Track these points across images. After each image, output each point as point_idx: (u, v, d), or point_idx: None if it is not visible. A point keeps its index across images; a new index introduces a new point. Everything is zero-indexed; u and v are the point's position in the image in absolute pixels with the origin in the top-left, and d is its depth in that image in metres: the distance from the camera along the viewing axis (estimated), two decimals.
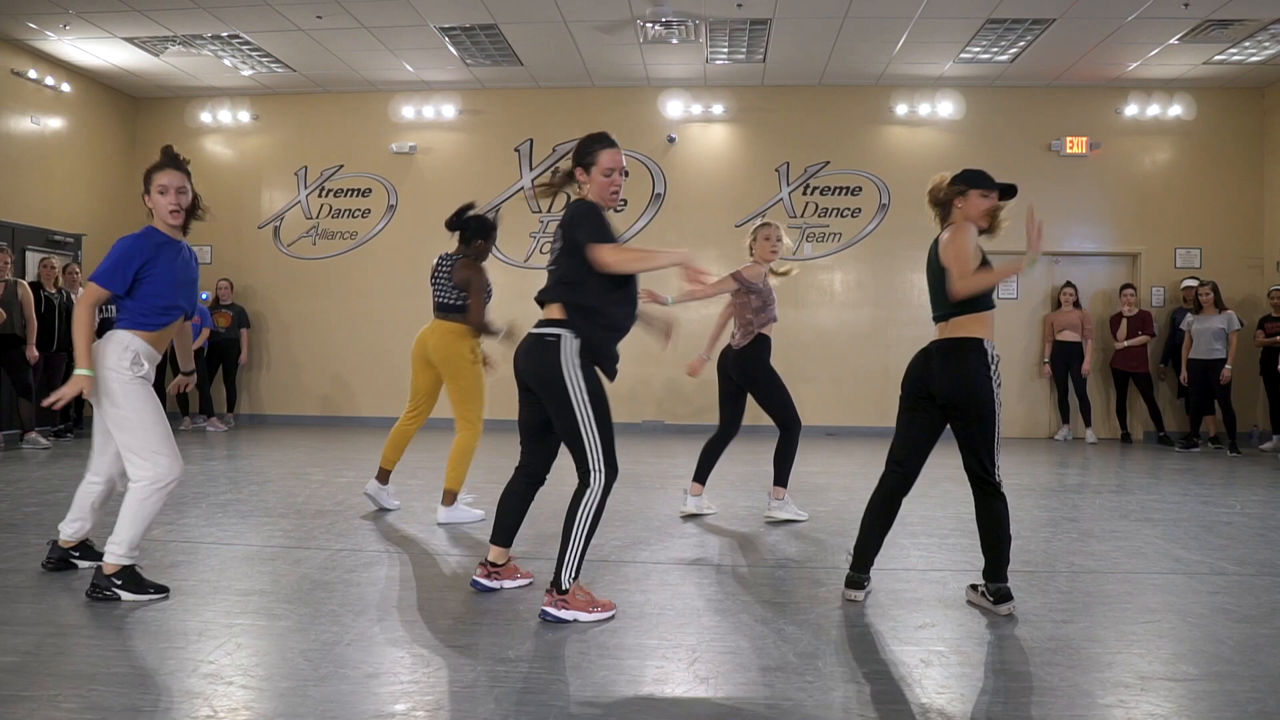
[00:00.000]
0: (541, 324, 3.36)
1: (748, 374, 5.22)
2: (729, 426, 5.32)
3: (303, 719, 2.37)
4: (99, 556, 3.89)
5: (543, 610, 3.29)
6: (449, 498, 5.02)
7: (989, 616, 3.38)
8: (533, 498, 3.60)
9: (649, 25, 8.36)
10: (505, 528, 3.62)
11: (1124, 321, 9.74)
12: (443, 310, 5.04)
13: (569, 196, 3.55)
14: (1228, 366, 8.86)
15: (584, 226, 3.29)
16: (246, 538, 4.57)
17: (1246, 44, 8.80)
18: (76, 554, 3.88)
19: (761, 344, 5.23)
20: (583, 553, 3.28)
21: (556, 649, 2.98)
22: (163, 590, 3.48)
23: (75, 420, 9.21)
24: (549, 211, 10.63)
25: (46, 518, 4.88)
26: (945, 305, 3.52)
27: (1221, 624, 3.30)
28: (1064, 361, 9.85)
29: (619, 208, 3.47)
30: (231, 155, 11.00)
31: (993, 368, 3.43)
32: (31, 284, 8.38)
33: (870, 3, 8.04)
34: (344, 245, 10.94)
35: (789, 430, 5.19)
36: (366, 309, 10.78)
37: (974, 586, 3.59)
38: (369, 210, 10.91)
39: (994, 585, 3.47)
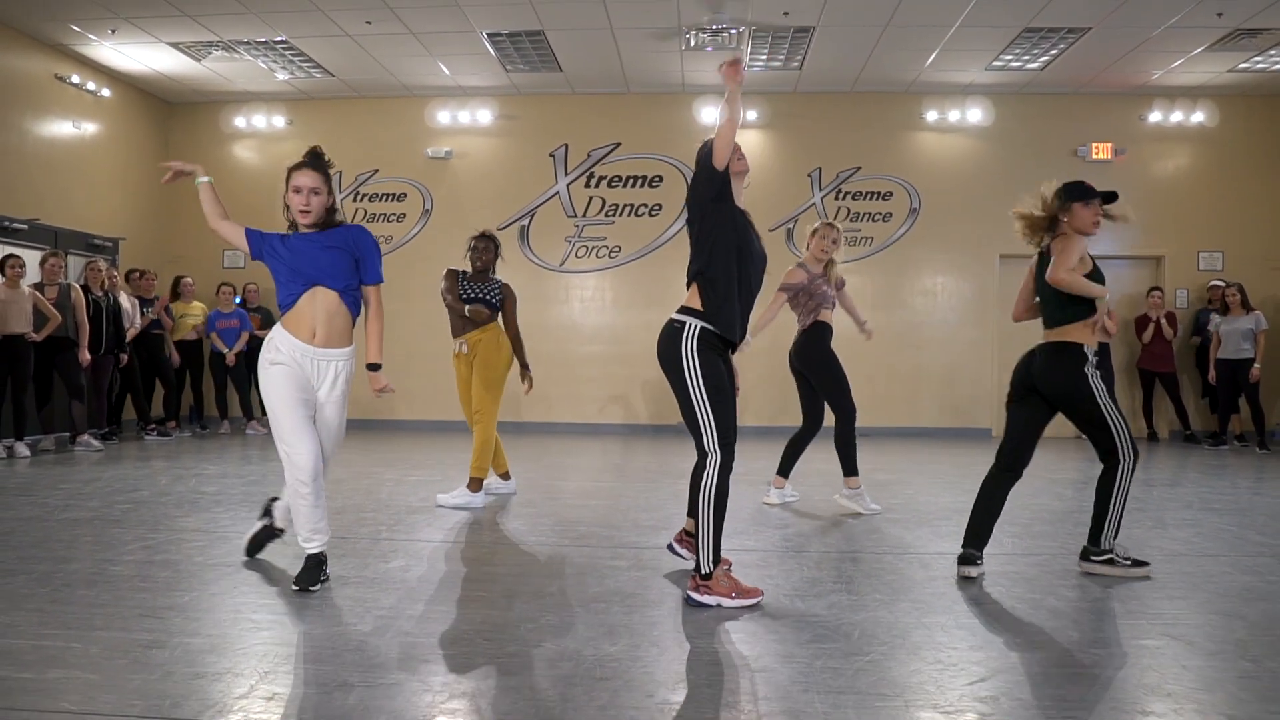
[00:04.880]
0: (678, 310, 3.55)
1: (808, 360, 5.43)
2: (811, 423, 5.49)
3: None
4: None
5: (686, 594, 3.42)
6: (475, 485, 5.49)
7: (1110, 586, 3.56)
8: None
9: (694, 34, 8.52)
10: (696, 501, 3.71)
11: (1150, 323, 9.94)
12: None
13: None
14: (1257, 365, 9.08)
15: (698, 180, 3.53)
16: (357, 531, 4.67)
17: (1272, 52, 9.04)
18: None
19: (820, 330, 5.45)
20: (714, 536, 3.41)
21: (710, 624, 3.11)
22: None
23: (120, 424, 9.29)
24: (584, 216, 10.77)
25: (145, 514, 4.99)
26: (1056, 313, 3.83)
27: None
28: None
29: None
30: (265, 160, 11.08)
31: (1089, 368, 3.76)
32: (81, 287, 8.45)
33: (913, 11, 8.23)
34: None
35: (842, 417, 5.37)
36: (402, 312, 10.83)
37: (1110, 561, 3.88)
38: (404, 215, 11.02)
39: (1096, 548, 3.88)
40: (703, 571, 3.40)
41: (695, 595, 3.39)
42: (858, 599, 3.49)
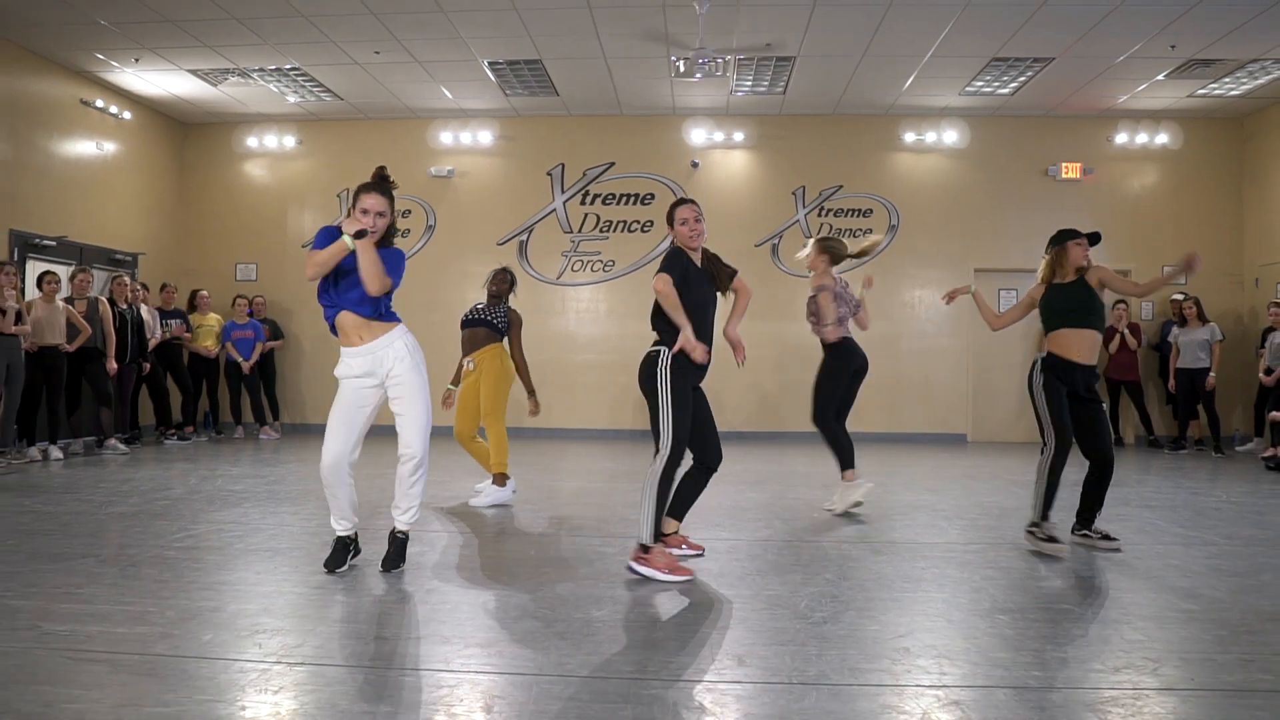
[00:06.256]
0: (654, 343, 4.18)
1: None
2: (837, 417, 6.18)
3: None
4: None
5: (628, 563, 4.02)
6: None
7: (1029, 568, 4.13)
8: (705, 482, 4.31)
9: (683, 62, 9.11)
10: (680, 505, 4.29)
11: (1116, 334, 10.51)
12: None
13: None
14: (1212, 374, 9.65)
15: (664, 261, 4.15)
16: (374, 523, 5.23)
17: (1227, 80, 9.64)
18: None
19: (829, 348, 6.15)
20: (654, 513, 3.98)
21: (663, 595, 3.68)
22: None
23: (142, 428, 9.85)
24: (579, 231, 11.36)
25: (183, 509, 5.56)
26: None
27: (1215, 578, 4.05)
28: None
29: (697, 246, 4.26)
30: (275, 178, 11.66)
31: (1035, 375, 4.68)
32: (108, 300, 9.01)
33: (887, 42, 8.82)
34: None
35: (819, 427, 6.00)
36: (405, 324, 11.41)
37: (1031, 532, 4.66)
38: (408, 230, 11.58)
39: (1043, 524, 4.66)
40: (643, 543, 3.98)
41: (634, 564, 3.99)
42: (810, 577, 4.06)
